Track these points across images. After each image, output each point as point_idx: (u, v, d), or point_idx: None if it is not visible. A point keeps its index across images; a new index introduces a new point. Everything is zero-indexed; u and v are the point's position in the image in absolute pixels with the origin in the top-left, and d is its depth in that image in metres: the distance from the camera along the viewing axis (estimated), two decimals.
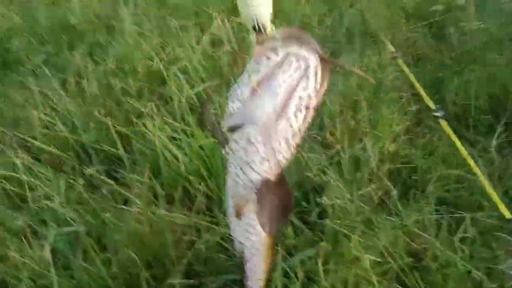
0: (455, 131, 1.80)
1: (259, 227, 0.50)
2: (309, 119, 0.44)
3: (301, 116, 0.43)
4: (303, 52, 0.42)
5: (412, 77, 1.95)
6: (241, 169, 0.47)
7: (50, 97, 1.99)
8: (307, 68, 0.42)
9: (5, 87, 2.14)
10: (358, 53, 2.23)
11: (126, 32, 2.37)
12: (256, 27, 0.43)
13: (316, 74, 0.42)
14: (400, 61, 2.05)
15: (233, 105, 0.45)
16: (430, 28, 2.62)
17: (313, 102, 0.43)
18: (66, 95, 1.99)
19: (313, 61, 0.42)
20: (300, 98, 0.42)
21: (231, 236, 0.53)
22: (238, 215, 0.50)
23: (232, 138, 0.45)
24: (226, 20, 2.37)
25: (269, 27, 0.44)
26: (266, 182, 0.46)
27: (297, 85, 0.43)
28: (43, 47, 2.48)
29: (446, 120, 1.78)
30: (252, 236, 0.51)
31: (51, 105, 1.95)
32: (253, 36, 0.44)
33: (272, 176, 0.46)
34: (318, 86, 0.43)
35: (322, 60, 0.43)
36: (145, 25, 2.44)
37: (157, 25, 2.48)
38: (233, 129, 0.44)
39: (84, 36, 2.51)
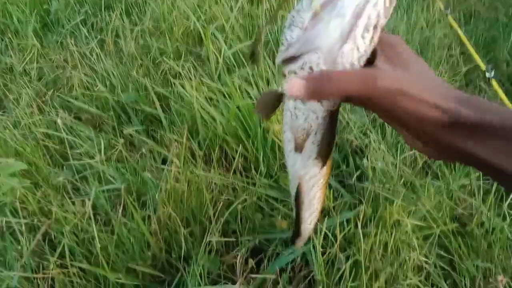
0: (507, 93, 1.69)
1: (319, 158, 0.48)
2: (376, 39, 0.40)
3: (368, 36, 0.39)
4: None
5: (462, 35, 1.84)
6: (301, 100, 0.44)
7: (89, 57, 2.00)
8: None
9: (45, 48, 2.17)
10: (405, 9, 2.10)
11: None
12: None
13: None
14: (450, 18, 1.93)
15: (291, 34, 0.41)
16: None
17: (382, 20, 0.39)
18: (104, 56, 1.99)
19: None
20: (369, 17, 0.38)
21: (288, 171, 0.52)
22: (299, 147, 0.47)
23: (290, 69, 0.41)
24: None
25: None
26: (329, 112, 0.44)
27: (366, 2, 0.38)
28: (82, 8, 2.48)
29: (499, 80, 1.68)
30: (312, 168, 0.49)
31: (90, 65, 1.97)
32: None
33: (334, 105, 0.43)
34: (388, 2, 0.39)
35: None
36: None
37: None
38: (291, 60, 0.41)
39: None
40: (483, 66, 1.71)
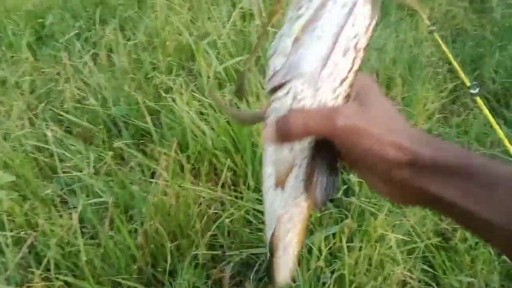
0: (493, 110, 1.72)
1: (302, 197, 0.46)
2: (358, 62, 0.40)
3: (349, 58, 0.39)
4: None
5: (448, 52, 1.87)
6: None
7: (82, 71, 2.02)
8: (354, 4, 0.38)
9: (38, 61, 2.19)
10: (393, 27, 2.14)
11: (156, 7, 2.36)
12: None
13: (364, 9, 0.38)
14: (436, 36, 1.97)
15: (275, 61, 0.41)
16: (471, 1, 2.49)
17: (362, 41, 0.39)
18: (97, 69, 2.01)
19: None
20: (348, 37, 0.38)
21: (265, 211, 0.49)
22: (280, 183, 0.45)
23: (275, 97, 0.41)
24: None
25: None
26: (316, 142, 0.43)
27: (344, 23, 0.38)
28: (76, 22, 2.51)
29: (485, 98, 1.71)
30: (293, 208, 0.46)
31: (83, 79, 1.98)
32: None
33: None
34: (367, 22, 0.39)
35: None
36: None
37: None
38: (277, 88, 0.41)
39: (115, 11, 2.52)
40: (468, 83, 1.74)
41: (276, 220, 0.47)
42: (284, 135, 0.41)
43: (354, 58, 0.39)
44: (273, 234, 0.48)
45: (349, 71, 0.39)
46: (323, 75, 0.39)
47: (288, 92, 0.40)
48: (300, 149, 0.43)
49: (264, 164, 0.47)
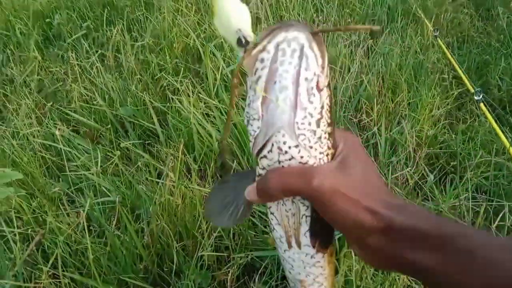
0: (498, 117, 1.72)
1: (319, 254, 0.47)
2: (327, 101, 0.40)
3: (316, 99, 0.39)
4: (291, 33, 0.39)
5: (453, 59, 1.88)
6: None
7: (89, 71, 2.03)
8: (301, 47, 0.39)
9: (46, 61, 2.20)
10: (399, 33, 2.15)
11: (163, 9, 2.38)
12: (242, 40, 0.40)
13: (313, 49, 0.39)
14: (440, 42, 1.98)
15: (252, 128, 0.42)
16: (477, 8, 2.50)
17: (322, 80, 0.40)
18: (104, 70, 2.02)
19: (305, 37, 0.39)
20: (307, 79, 0.39)
21: (287, 277, 0.50)
22: (295, 241, 0.46)
23: (262, 156, 0.43)
24: None
25: (253, 36, 0.41)
26: None
27: (299, 68, 0.39)
28: (84, 22, 2.52)
29: (490, 105, 1.71)
30: (313, 268, 0.47)
31: (90, 79, 2.00)
32: (240, 53, 0.41)
33: None
34: (320, 61, 0.39)
35: (314, 34, 0.39)
36: (183, 1, 2.44)
37: (195, 1, 2.48)
38: (262, 149, 0.42)
39: (123, 12, 2.54)
40: (471, 89, 1.74)
41: (301, 286, 0.48)
42: (265, 195, 0.43)
43: (320, 98, 0.39)
44: None
45: (321, 109, 0.40)
46: (298, 122, 0.39)
47: (272, 149, 0.41)
48: (300, 201, 0.44)
49: (271, 229, 0.47)
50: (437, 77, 1.86)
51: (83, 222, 1.11)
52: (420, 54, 2.00)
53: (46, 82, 2.03)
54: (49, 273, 1.13)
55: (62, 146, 1.44)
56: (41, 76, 2.07)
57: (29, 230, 1.23)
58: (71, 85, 1.94)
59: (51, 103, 1.89)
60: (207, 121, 1.63)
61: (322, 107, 0.40)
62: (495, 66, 1.98)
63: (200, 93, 1.82)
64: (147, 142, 1.74)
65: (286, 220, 0.45)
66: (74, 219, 1.24)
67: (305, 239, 0.45)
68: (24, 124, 1.69)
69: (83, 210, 1.18)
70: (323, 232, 0.45)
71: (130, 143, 1.60)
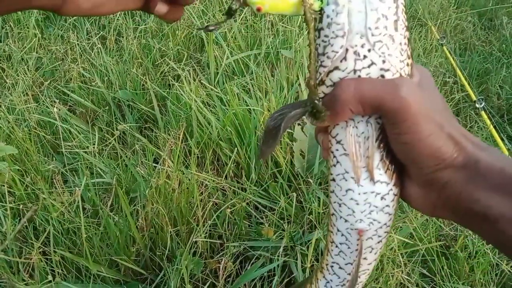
0: (496, 125, 1.73)
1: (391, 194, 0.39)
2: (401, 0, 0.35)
3: (388, 0, 0.35)
4: None
5: (455, 65, 1.89)
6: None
7: (89, 52, 2.00)
8: None
9: (45, 39, 2.17)
10: None
11: None
12: None
13: None
14: (445, 49, 1.98)
15: (333, 48, 0.36)
16: (480, 17, 2.51)
17: None
18: (105, 52, 2.00)
19: None
20: None
21: (332, 234, 0.43)
22: (370, 177, 0.38)
23: (333, 68, 0.36)
24: None
25: None
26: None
27: None
28: None
29: (489, 112, 1.72)
30: (380, 213, 0.40)
31: (90, 60, 1.97)
32: None
33: None
34: None
35: None
36: None
37: None
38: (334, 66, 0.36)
39: None
40: (473, 97, 1.75)
41: (357, 234, 0.40)
42: (334, 106, 0.36)
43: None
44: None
45: (396, 9, 0.35)
46: (371, 27, 0.34)
47: (346, 55, 0.35)
48: (375, 119, 0.37)
49: (332, 164, 0.40)
50: (439, 81, 1.86)
51: (78, 200, 1.09)
52: (423, 58, 2.01)
53: (45, 61, 1.99)
54: (40, 250, 1.11)
55: (59, 123, 1.41)
56: (40, 54, 2.03)
57: (21, 206, 1.20)
58: (70, 65, 1.91)
59: (49, 81, 1.85)
60: (207, 109, 1.61)
61: (397, 7, 0.35)
62: (496, 74, 1.99)
63: (201, 81, 1.80)
64: (144, 126, 1.72)
65: (357, 147, 0.38)
66: (68, 197, 1.22)
67: (378, 172, 0.38)
68: (20, 100, 1.66)
69: (78, 188, 1.15)
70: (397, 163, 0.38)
71: (127, 126, 1.58)
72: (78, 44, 2.04)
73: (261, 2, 0.37)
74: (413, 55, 0.38)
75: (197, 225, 1.24)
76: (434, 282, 1.20)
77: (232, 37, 2.07)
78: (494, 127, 1.62)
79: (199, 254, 1.24)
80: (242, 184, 1.42)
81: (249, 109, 1.59)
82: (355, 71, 0.35)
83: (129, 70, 1.89)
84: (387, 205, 0.39)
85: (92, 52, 1.98)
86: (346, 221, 0.41)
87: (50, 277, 1.06)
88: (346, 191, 0.39)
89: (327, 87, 0.37)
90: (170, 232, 1.20)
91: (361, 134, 0.37)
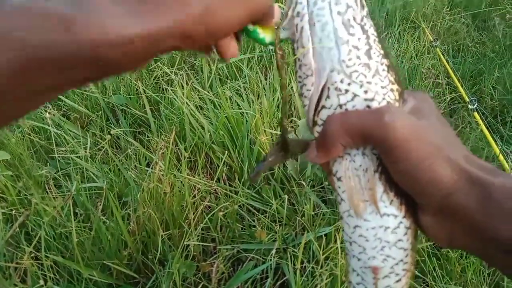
0: (489, 126, 1.74)
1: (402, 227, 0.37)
2: (371, 30, 0.37)
3: (357, 30, 0.36)
4: None
5: (448, 66, 1.90)
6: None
7: None
8: None
9: None
10: (396, 38, 2.16)
11: None
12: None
13: None
14: (438, 51, 1.99)
15: (306, 87, 0.38)
16: (474, 19, 2.52)
17: (357, 10, 0.38)
18: None
19: None
20: (339, 13, 0.37)
21: (349, 267, 0.42)
22: (376, 209, 0.37)
23: (320, 108, 0.37)
24: None
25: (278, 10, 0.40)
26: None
27: (330, 4, 0.38)
28: None
29: (482, 113, 1.73)
30: (393, 248, 0.38)
31: None
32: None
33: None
34: None
35: None
36: None
37: None
38: (319, 101, 0.37)
39: None
40: (466, 98, 1.76)
41: (372, 272, 0.39)
42: (325, 144, 0.35)
43: (362, 28, 0.36)
44: None
45: (367, 39, 0.36)
46: (344, 59, 0.36)
47: (329, 93, 0.36)
48: (371, 150, 0.37)
49: (339, 201, 0.39)
50: (431, 82, 1.87)
51: (69, 204, 1.10)
52: (415, 59, 2.01)
53: None
54: (32, 255, 1.11)
55: (52, 128, 1.42)
56: None
57: (13, 211, 1.21)
58: None
59: None
60: (200, 113, 1.62)
61: (368, 37, 0.36)
62: (489, 75, 2.00)
63: (194, 85, 1.81)
64: (138, 131, 1.73)
65: (357, 181, 0.37)
66: (60, 202, 1.23)
67: (383, 204, 0.36)
68: None
69: (70, 193, 1.16)
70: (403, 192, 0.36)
71: (120, 131, 1.59)
72: None
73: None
74: (399, 81, 0.37)
75: (189, 229, 1.24)
76: (426, 282, 1.21)
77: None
78: (487, 127, 1.62)
79: (192, 257, 1.24)
80: (235, 187, 1.43)
81: (242, 112, 1.60)
82: (340, 106, 0.36)
83: (123, 75, 1.89)
84: (399, 240, 0.37)
85: None
86: (359, 259, 0.39)
87: (42, 282, 1.06)
88: (354, 228, 0.38)
89: (319, 126, 0.38)
90: (162, 235, 1.20)
91: (359, 167, 0.37)
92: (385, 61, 0.37)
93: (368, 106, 0.35)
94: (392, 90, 0.36)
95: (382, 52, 0.37)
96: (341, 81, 0.36)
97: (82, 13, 0.25)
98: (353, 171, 0.37)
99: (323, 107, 0.37)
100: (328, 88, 0.36)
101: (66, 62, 0.25)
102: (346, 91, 0.36)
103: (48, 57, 0.24)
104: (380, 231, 0.37)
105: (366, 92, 0.35)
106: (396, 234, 0.37)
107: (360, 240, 0.38)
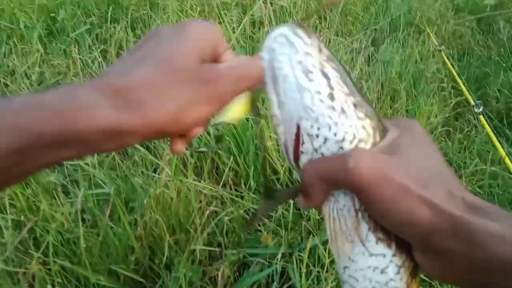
0: (495, 129, 1.73)
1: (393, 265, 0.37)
2: (332, 72, 0.38)
3: (316, 76, 0.37)
4: (275, 32, 0.39)
5: (453, 70, 1.90)
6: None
7: (91, 65, 2.04)
8: (286, 37, 0.39)
9: (48, 54, 2.21)
10: (401, 42, 2.17)
11: (168, 8, 2.39)
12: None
13: (297, 33, 0.39)
14: (444, 54, 1.99)
15: (280, 137, 0.40)
16: (478, 22, 2.52)
17: (316, 56, 0.38)
18: (106, 65, 2.03)
19: (287, 28, 0.39)
20: (300, 62, 0.37)
21: None
22: (364, 247, 0.36)
23: (301, 158, 0.38)
24: (268, 2, 2.36)
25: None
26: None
27: (290, 55, 0.40)
28: (88, 18, 2.53)
29: (488, 116, 1.73)
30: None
31: (92, 74, 2.00)
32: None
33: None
34: (308, 41, 0.39)
35: (296, 23, 0.40)
36: (187, 2, 2.46)
37: (199, 3, 2.49)
38: (296, 150, 0.39)
39: (127, 11, 2.55)
40: (472, 101, 1.76)
41: None
42: (305, 191, 0.36)
43: (322, 71, 0.37)
44: None
45: (328, 81, 0.37)
46: (308, 105, 0.37)
47: (303, 139, 0.37)
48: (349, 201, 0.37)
49: (330, 242, 0.38)
50: (436, 86, 1.87)
51: (78, 210, 1.11)
52: (420, 64, 2.02)
53: (47, 75, 2.03)
54: (40, 260, 1.12)
55: None
56: (43, 69, 2.07)
57: (22, 217, 1.22)
58: (71, 79, 1.95)
59: None
60: None
61: (329, 79, 0.37)
62: (494, 78, 2.00)
63: None
64: None
65: (343, 222, 0.37)
66: (68, 208, 1.24)
67: (369, 244, 0.36)
68: None
69: (78, 199, 1.17)
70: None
71: None
72: (80, 58, 2.07)
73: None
74: (373, 115, 0.38)
75: (196, 233, 1.25)
76: (432, 285, 1.20)
77: (231, 47, 2.10)
78: (493, 130, 1.62)
79: (198, 262, 1.25)
80: (240, 192, 1.43)
81: (247, 117, 1.61)
82: (316, 150, 0.37)
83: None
84: (391, 279, 0.36)
85: (94, 65, 2.02)
86: None
87: (50, 287, 1.08)
88: (344, 269, 0.38)
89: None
90: (169, 240, 1.21)
91: (344, 207, 0.36)
92: (350, 99, 0.37)
93: (341, 147, 0.36)
94: (363, 126, 0.37)
95: (346, 90, 0.37)
96: (311, 127, 0.37)
97: (71, 106, 0.30)
98: (338, 212, 0.36)
99: (302, 152, 0.38)
100: (302, 135, 0.37)
101: (56, 143, 0.30)
102: (317, 135, 0.36)
103: (42, 141, 0.30)
104: (369, 272, 0.36)
105: (335, 134, 0.36)
106: (387, 273, 0.36)
107: (351, 281, 0.38)
